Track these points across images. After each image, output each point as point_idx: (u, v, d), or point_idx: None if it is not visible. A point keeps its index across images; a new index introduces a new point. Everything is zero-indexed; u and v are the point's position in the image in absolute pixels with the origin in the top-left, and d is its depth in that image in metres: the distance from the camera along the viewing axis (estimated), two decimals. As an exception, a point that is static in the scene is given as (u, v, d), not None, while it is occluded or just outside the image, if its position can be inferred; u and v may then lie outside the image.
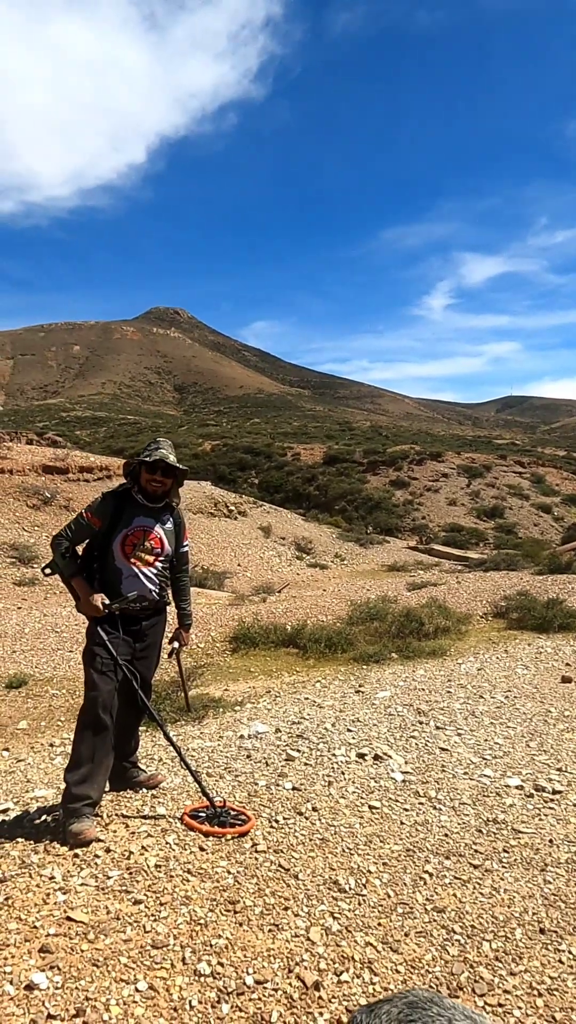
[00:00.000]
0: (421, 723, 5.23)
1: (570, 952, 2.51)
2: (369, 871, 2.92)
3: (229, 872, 2.73)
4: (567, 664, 7.69)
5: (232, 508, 27.86)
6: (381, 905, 2.70)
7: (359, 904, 2.69)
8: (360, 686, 7.00)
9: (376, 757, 4.29)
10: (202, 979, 2.17)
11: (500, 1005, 2.23)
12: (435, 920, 2.65)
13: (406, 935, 2.53)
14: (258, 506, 30.77)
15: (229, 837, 3.00)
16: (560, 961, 2.46)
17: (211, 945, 2.31)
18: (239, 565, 21.77)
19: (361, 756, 4.31)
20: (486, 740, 4.86)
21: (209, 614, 11.70)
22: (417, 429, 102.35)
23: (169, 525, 3.37)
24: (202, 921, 2.42)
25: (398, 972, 2.34)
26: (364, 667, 8.44)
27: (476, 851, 3.20)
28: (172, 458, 3.26)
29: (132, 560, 3.24)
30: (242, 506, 29.03)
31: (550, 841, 3.34)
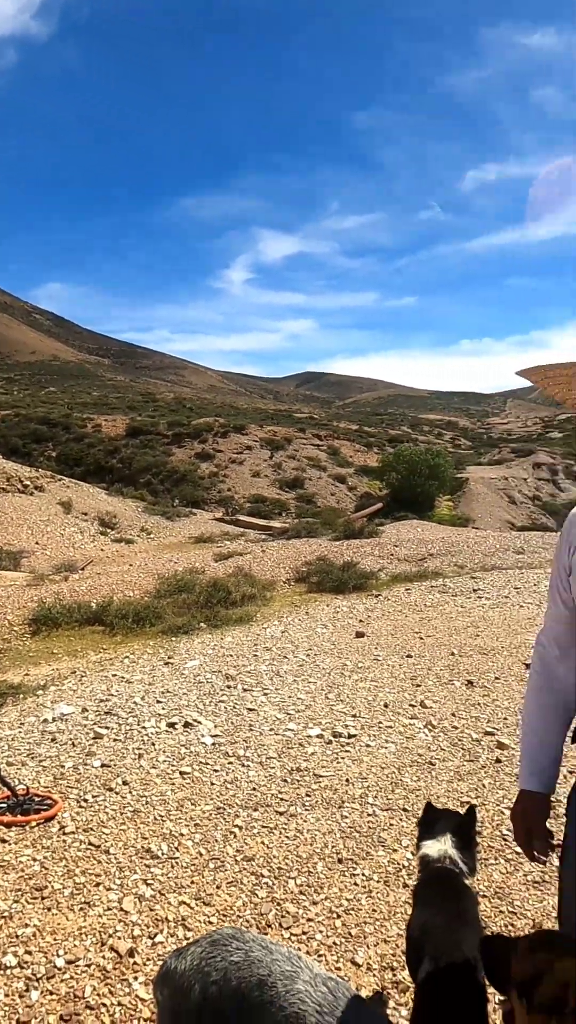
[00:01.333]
0: (229, 687, 5.39)
1: (363, 875, 2.79)
2: (181, 834, 2.99)
3: (35, 859, 2.64)
4: (360, 621, 8.38)
5: (27, 483, 26.02)
6: (194, 864, 2.79)
7: (172, 867, 2.74)
8: (169, 658, 7.02)
9: (186, 724, 4.36)
10: (7, 971, 2.09)
11: (304, 933, 2.43)
12: (245, 869, 2.79)
13: (218, 888, 2.65)
14: (57, 480, 29.07)
15: (34, 824, 2.88)
16: (355, 884, 2.73)
17: (17, 936, 2.22)
18: (37, 543, 20.47)
19: (171, 725, 4.36)
20: (290, 697, 5.16)
21: (4, 596, 10.91)
22: (221, 402, 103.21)
23: None
24: (6, 914, 2.31)
25: (211, 923, 2.44)
26: (173, 639, 8.46)
27: (282, 799, 3.41)
28: None
29: None
30: (39, 481, 27.22)
31: (346, 780, 3.66)
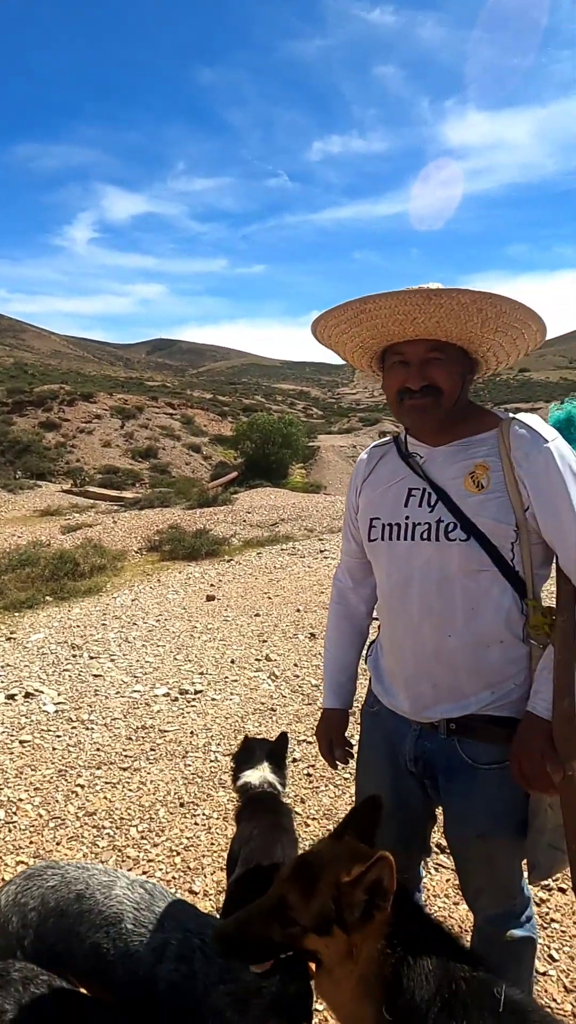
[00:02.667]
0: (75, 656, 5.31)
1: (204, 814, 2.95)
2: (20, 799, 2.97)
3: None
4: (211, 585, 8.52)
5: None
6: (33, 826, 2.79)
7: (10, 831, 2.73)
8: (12, 633, 6.74)
9: (27, 695, 4.26)
10: None
11: (144, 872, 2.54)
12: (86, 823, 2.84)
13: (58, 844, 2.68)
14: None
15: None
16: (196, 824, 2.88)
17: None
18: None
19: (11, 697, 4.24)
20: (138, 661, 5.19)
21: None
22: (67, 368, 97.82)
23: None
24: None
25: (50, 877, 2.47)
26: (16, 614, 8.10)
27: (126, 756, 3.47)
28: None
29: None
30: None
31: (191, 733, 3.80)
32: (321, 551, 10.71)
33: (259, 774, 2.11)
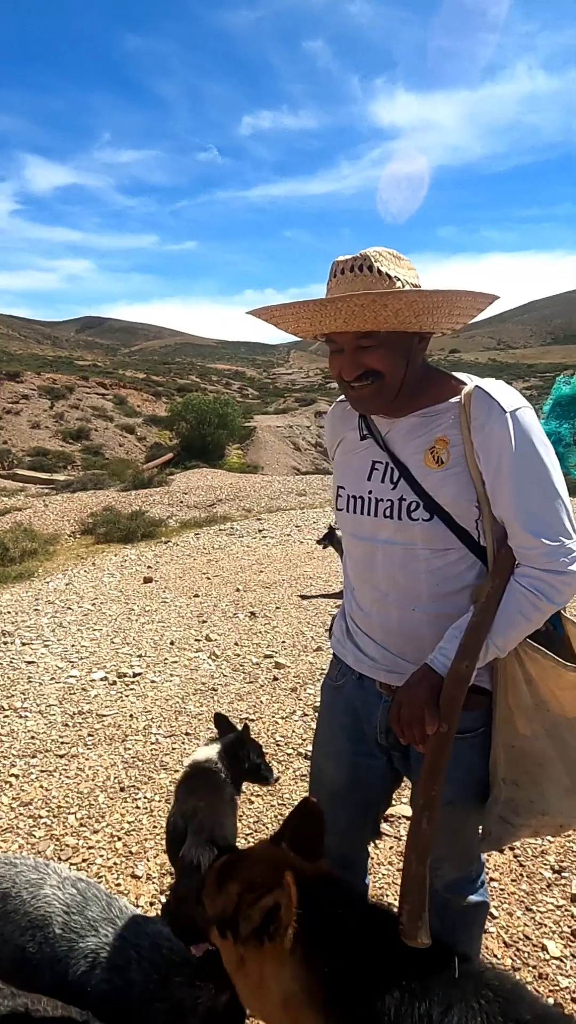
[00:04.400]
0: (6, 644, 5.11)
1: (145, 798, 2.88)
2: (-51, 793, 2.82)
3: None
4: (149, 567, 8.37)
5: None
6: (-36, 820, 2.66)
7: None
8: None
9: (-45, 685, 4.07)
10: None
11: (84, 860, 2.46)
12: (21, 814, 2.73)
13: (-8, 837, 2.56)
14: None
15: None
16: (137, 808, 2.81)
17: None
18: None
19: None
20: (73, 646, 5.04)
21: None
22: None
23: None
24: None
25: (-16, 871, 2.37)
26: (-58, 603, 7.75)
27: (62, 743, 3.36)
28: None
29: None
30: None
31: (130, 716, 3.71)
32: (260, 531, 10.68)
33: (205, 752, 2.09)
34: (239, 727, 2.28)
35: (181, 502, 14.14)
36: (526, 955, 2.05)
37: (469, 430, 1.23)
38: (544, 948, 2.07)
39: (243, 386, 77.00)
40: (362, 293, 1.15)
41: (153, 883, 2.34)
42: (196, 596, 6.72)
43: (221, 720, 2.31)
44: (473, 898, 1.54)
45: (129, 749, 3.31)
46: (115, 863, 2.45)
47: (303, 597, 6.68)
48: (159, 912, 2.18)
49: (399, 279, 1.21)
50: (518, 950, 2.07)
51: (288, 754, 3.29)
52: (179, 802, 2.01)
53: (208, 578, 7.57)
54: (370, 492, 1.35)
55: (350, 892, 1.16)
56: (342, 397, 1.51)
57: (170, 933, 1.41)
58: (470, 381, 1.31)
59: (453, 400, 1.29)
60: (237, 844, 1.89)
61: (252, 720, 3.66)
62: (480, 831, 1.44)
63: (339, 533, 7.50)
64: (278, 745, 3.38)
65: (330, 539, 7.18)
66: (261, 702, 3.93)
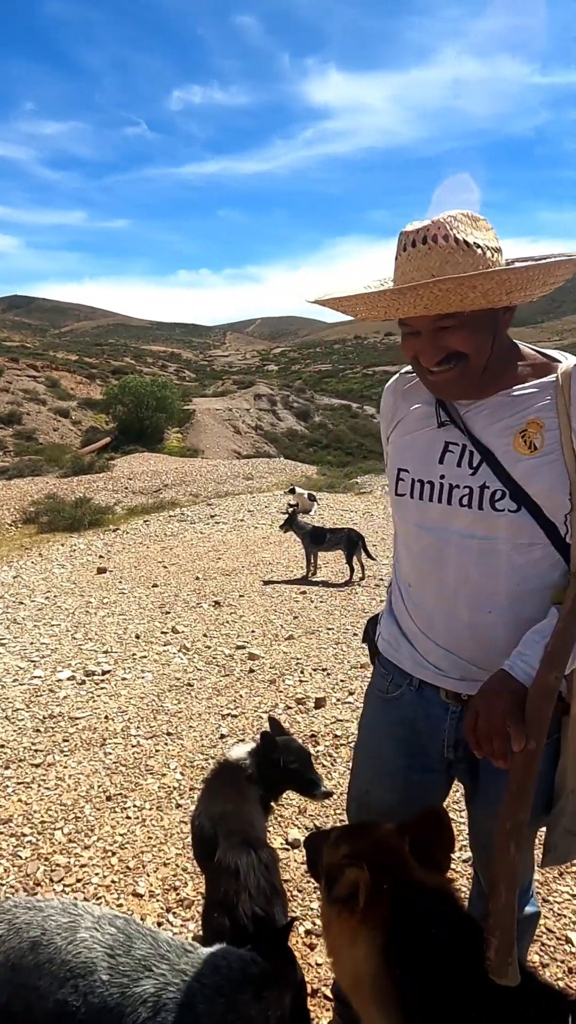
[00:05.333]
0: (-42, 643, 4.78)
1: (135, 806, 2.71)
2: None
3: None
4: (100, 556, 8.05)
5: None
6: None
7: None
8: None
9: None
10: None
11: (79, 880, 2.28)
12: (2, 832, 2.52)
13: (-29, 861, 2.35)
14: None
15: None
16: (127, 818, 2.64)
17: None
18: None
19: None
20: (32, 643, 4.76)
21: None
22: None
23: None
24: None
25: (-32, 901, 2.16)
26: None
27: (36, 751, 3.14)
28: None
29: None
30: None
31: (105, 717, 3.51)
32: (212, 516, 10.48)
33: (242, 749, 1.99)
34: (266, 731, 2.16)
35: (126, 488, 13.74)
36: (552, 949, 2.01)
37: (568, 414, 1.11)
38: (569, 940, 2.04)
39: (180, 368, 75.69)
40: (448, 278, 1.00)
41: (157, 900, 2.18)
42: (155, 586, 6.49)
43: (273, 724, 2.16)
44: (529, 909, 1.47)
45: (110, 754, 3.12)
46: (113, 881, 2.28)
47: (266, 583, 6.56)
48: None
49: (480, 246, 1.06)
50: (543, 944, 2.03)
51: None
52: (203, 803, 1.88)
53: (165, 567, 7.35)
54: (442, 477, 1.20)
55: (454, 911, 1.06)
56: (406, 369, 1.36)
57: (225, 951, 1.30)
58: (564, 358, 1.18)
59: (548, 379, 1.15)
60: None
61: (235, 716, 3.53)
62: (542, 843, 1.36)
63: (301, 519, 7.41)
64: (266, 741, 3.26)
65: (291, 523, 7.07)
66: (241, 696, 3.79)
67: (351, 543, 6.69)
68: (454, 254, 1.05)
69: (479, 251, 1.06)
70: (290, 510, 7.41)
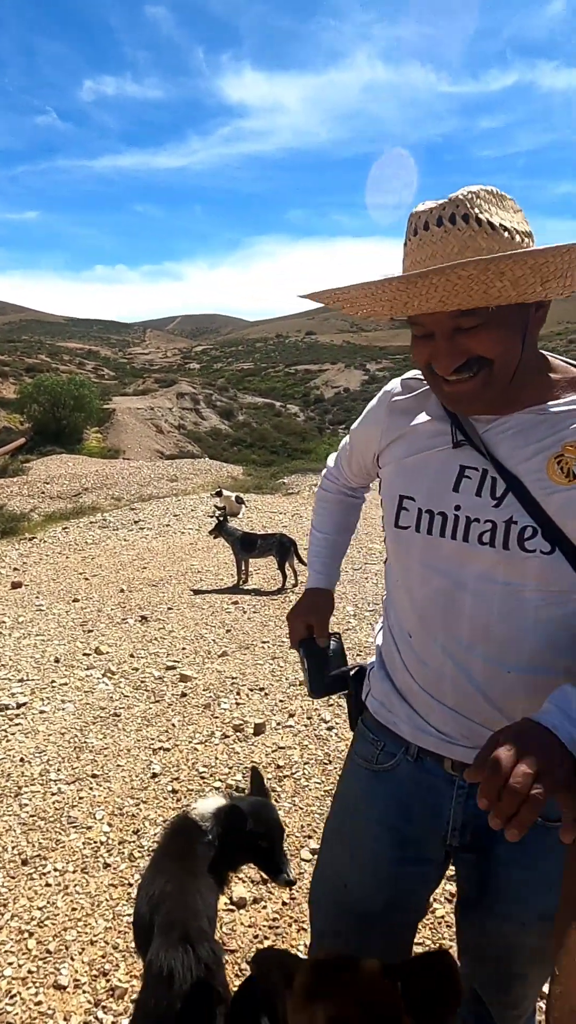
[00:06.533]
0: None
1: (56, 870, 2.38)
2: None
3: None
4: (15, 569, 7.49)
5: None
6: None
7: None
8: None
9: None
10: None
11: (-12, 974, 1.94)
12: None
13: None
14: None
15: None
16: (47, 885, 2.30)
17: None
18: None
19: None
20: None
21: None
22: None
23: None
24: None
25: None
26: None
27: None
28: None
29: None
30: None
31: (21, 760, 3.13)
32: (136, 522, 10.02)
33: (204, 805, 1.70)
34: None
35: (43, 492, 13.02)
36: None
37: None
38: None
39: (98, 366, 73.52)
40: (470, 261, 0.78)
41: (84, 992, 1.87)
42: (76, 600, 6.05)
43: (255, 778, 1.87)
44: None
45: (26, 806, 2.75)
46: (30, 971, 1.94)
47: (196, 592, 6.24)
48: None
49: (507, 229, 0.86)
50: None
51: (215, 787, 2.90)
52: (147, 876, 1.59)
53: (86, 579, 6.89)
54: (457, 508, 0.99)
55: None
56: (410, 374, 1.14)
57: None
58: None
59: None
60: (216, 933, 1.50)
61: (167, 749, 3.23)
62: None
63: (230, 523, 7.12)
64: (202, 778, 2.98)
65: (220, 529, 6.78)
66: (173, 725, 3.49)
67: (283, 549, 6.47)
68: (476, 238, 0.84)
69: (506, 235, 0.85)
70: (218, 514, 7.12)
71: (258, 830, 1.66)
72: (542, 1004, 1.67)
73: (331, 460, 1.42)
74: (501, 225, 0.85)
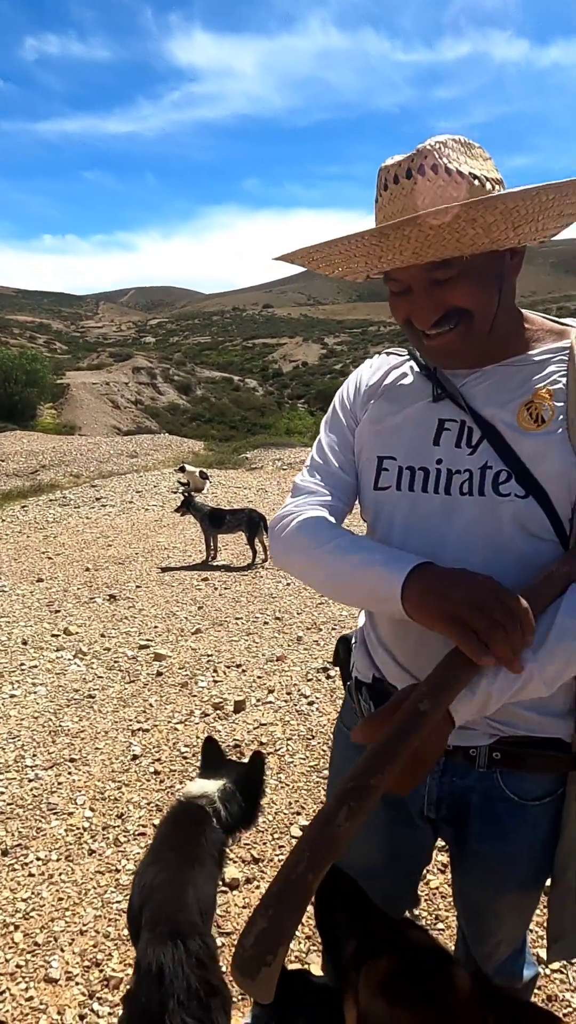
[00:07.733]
0: None
1: (38, 859, 2.29)
2: None
3: None
4: (-27, 549, 7.23)
5: None
6: None
7: None
8: None
9: None
10: None
11: (-26, 971, 1.86)
12: None
13: None
14: None
15: None
16: (30, 875, 2.22)
17: None
18: None
19: None
20: None
21: None
22: None
23: None
24: None
25: None
26: None
27: None
28: None
29: None
30: None
31: (-7, 746, 3.02)
32: (97, 499, 9.79)
33: (202, 786, 1.63)
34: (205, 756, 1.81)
35: (-2, 470, 12.61)
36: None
37: None
38: (539, 959, 1.89)
39: (50, 340, 71.42)
40: (438, 209, 0.77)
41: (76, 985, 1.81)
42: (40, 581, 5.87)
43: (210, 747, 1.81)
44: (527, 973, 1.28)
45: (2, 793, 2.65)
46: (18, 965, 1.87)
47: (164, 570, 6.13)
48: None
49: (477, 177, 0.84)
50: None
51: (197, 767, 2.84)
52: (144, 862, 1.53)
53: (50, 558, 6.70)
54: (439, 461, 0.97)
55: None
56: (391, 349, 1.13)
57: None
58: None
59: (562, 343, 0.97)
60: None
61: (146, 730, 3.15)
62: (546, 930, 1.14)
63: (196, 499, 7.00)
64: (184, 758, 2.92)
65: (187, 505, 6.65)
66: (151, 705, 3.41)
67: (252, 524, 6.39)
68: (446, 188, 0.83)
69: (476, 183, 0.84)
70: (183, 489, 6.98)
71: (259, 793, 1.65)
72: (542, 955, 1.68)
73: (300, 478, 1.15)
74: (471, 173, 0.84)
